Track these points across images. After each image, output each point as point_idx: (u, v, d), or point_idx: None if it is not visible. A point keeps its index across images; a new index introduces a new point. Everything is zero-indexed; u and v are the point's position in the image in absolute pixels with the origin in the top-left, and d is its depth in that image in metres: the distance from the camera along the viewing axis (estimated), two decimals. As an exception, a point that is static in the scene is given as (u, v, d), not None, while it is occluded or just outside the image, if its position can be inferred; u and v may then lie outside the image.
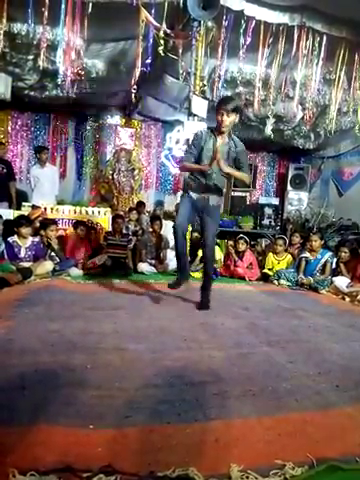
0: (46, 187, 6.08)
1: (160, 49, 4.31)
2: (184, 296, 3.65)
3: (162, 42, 4.30)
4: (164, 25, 4.28)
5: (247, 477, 1.12)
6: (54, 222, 4.94)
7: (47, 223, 4.80)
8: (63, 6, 4.00)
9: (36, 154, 6.45)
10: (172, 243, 5.52)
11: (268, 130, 6.45)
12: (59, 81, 4.92)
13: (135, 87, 4.81)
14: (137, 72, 4.61)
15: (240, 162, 3.16)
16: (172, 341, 2.34)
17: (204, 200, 3.17)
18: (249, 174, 3.33)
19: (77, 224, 5.21)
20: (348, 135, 6.84)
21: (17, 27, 4.58)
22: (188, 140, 3.21)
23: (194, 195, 3.17)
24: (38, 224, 4.86)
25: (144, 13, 4.15)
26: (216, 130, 3.11)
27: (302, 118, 6.28)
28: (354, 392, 1.75)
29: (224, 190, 3.32)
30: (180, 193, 6.96)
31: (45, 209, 5.46)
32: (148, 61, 4.72)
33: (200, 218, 3.26)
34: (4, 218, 4.64)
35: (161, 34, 4.27)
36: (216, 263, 5.43)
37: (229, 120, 3.00)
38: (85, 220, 5.44)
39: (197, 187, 3.16)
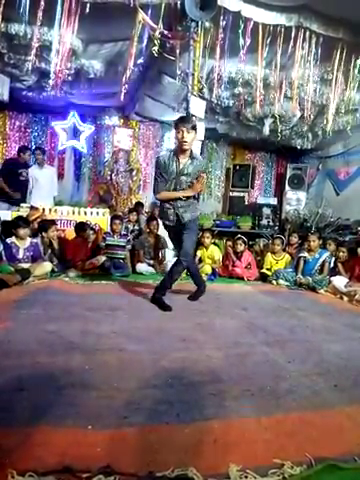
0: (44, 188, 6.07)
1: (154, 49, 4.31)
2: (182, 297, 3.66)
3: (157, 42, 4.30)
4: (161, 26, 4.28)
5: (246, 477, 1.12)
6: (54, 223, 4.94)
7: (47, 224, 4.79)
8: (59, 7, 3.98)
9: (33, 155, 6.45)
10: (170, 244, 5.54)
11: (266, 130, 6.46)
12: (50, 81, 4.90)
13: (126, 87, 4.80)
14: (128, 72, 4.61)
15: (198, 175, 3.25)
16: (171, 341, 2.34)
17: (180, 221, 3.27)
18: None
19: (78, 226, 5.21)
20: (345, 135, 6.86)
21: (15, 28, 4.57)
22: (155, 166, 3.34)
23: (170, 223, 3.31)
24: (36, 225, 4.86)
25: (141, 14, 4.15)
26: (178, 149, 3.16)
27: (300, 118, 6.29)
28: (352, 392, 1.76)
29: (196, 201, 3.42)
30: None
31: (44, 210, 5.45)
32: (140, 61, 4.72)
33: (180, 234, 3.33)
34: (2, 219, 4.64)
35: (157, 35, 4.27)
36: (215, 263, 5.45)
37: (190, 137, 3.07)
38: (85, 221, 5.44)
39: (172, 213, 3.27)
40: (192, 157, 3.20)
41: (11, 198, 5.71)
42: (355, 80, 5.21)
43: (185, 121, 3.12)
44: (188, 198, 3.25)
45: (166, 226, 3.42)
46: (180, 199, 3.22)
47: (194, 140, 3.18)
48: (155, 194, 3.31)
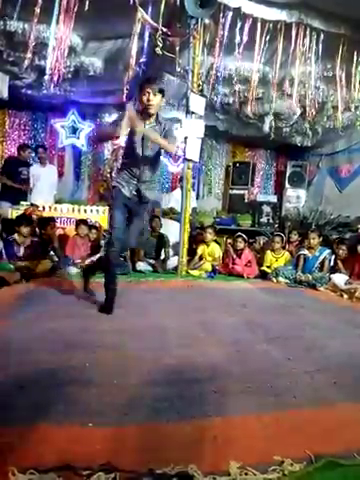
0: (45, 186, 6.06)
1: (157, 49, 4.28)
2: (182, 294, 3.66)
3: (159, 42, 4.27)
4: (161, 24, 4.25)
5: (246, 473, 1.12)
6: (52, 219, 4.93)
7: (46, 221, 4.79)
8: (57, 3, 3.95)
9: (35, 153, 6.44)
10: (172, 241, 5.54)
11: (266, 127, 6.45)
12: (47, 78, 4.88)
13: (128, 87, 4.78)
14: (131, 72, 4.59)
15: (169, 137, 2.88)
16: (171, 339, 2.35)
17: (140, 198, 2.90)
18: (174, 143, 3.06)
19: (78, 223, 5.21)
20: (346, 132, 6.84)
21: (14, 25, 4.56)
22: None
23: (126, 193, 2.88)
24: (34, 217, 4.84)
25: (141, 12, 4.13)
26: (143, 112, 2.80)
27: (300, 115, 6.28)
28: (352, 388, 1.76)
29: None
30: (177, 190, 6.92)
31: (43, 208, 5.45)
32: (142, 60, 4.69)
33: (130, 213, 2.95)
34: (2, 216, 4.64)
35: (158, 34, 4.24)
36: (215, 261, 5.45)
37: (156, 100, 2.74)
38: (86, 218, 5.43)
39: (133, 185, 2.87)
40: (158, 121, 2.87)
41: (15, 196, 5.67)
42: (356, 77, 5.19)
43: (151, 82, 2.78)
44: (151, 170, 2.90)
45: (117, 196, 2.90)
46: (146, 170, 2.87)
47: (160, 105, 2.85)
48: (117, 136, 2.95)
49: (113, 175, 2.97)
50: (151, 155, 2.88)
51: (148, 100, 2.72)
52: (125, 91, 4.87)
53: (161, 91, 2.78)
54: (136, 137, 2.82)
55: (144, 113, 2.81)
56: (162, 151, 3.03)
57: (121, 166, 3.02)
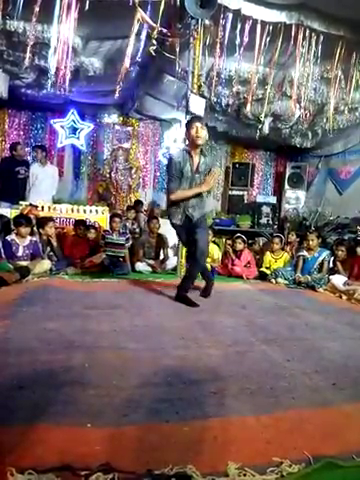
0: (44, 186, 6.05)
1: (151, 49, 4.28)
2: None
3: (154, 41, 4.27)
4: (159, 23, 4.25)
5: (244, 474, 1.12)
6: (51, 219, 4.93)
7: (44, 220, 4.78)
8: (58, 3, 3.95)
9: (34, 153, 6.44)
10: (172, 242, 5.54)
11: (266, 129, 6.45)
12: (49, 79, 4.87)
13: (121, 84, 4.77)
14: (124, 71, 4.58)
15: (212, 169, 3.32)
16: (170, 340, 2.34)
17: (191, 220, 3.30)
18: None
19: (77, 223, 5.20)
20: (345, 134, 6.85)
21: (14, 25, 4.55)
22: (168, 166, 3.35)
23: (179, 222, 3.32)
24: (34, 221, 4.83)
25: (140, 13, 4.13)
26: (191, 147, 3.22)
27: (300, 117, 6.28)
28: (351, 390, 1.76)
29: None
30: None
31: (42, 208, 5.44)
32: (138, 59, 4.68)
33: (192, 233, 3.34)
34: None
35: (154, 34, 4.24)
36: (214, 262, 5.45)
37: (204, 133, 3.15)
38: (84, 219, 5.43)
39: (181, 212, 3.30)
40: (203, 154, 3.28)
41: (14, 196, 5.64)
42: (355, 78, 5.19)
43: (198, 118, 3.32)
44: (199, 195, 3.29)
45: (175, 226, 3.41)
46: (192, 197, 3.25)
47: (206, 137, 3.24)
48: (169, 195, 3.30)
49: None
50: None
51: (197, 132, 3.12)
52: (118, 89, 4.84)
53: (207, 125, 3.30)
54: (187, 182, 3.24)
55: (192, 146, 3.20)
56: None
57: (171, 206, 3.37)
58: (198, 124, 3.13)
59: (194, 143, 3.17)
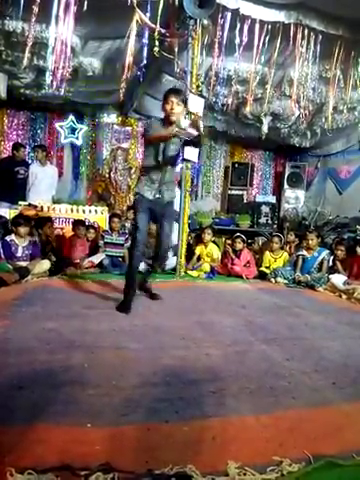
0: (44, 186, 6.03)
1: (155, 50, 4.28)
2: (181, 294, 3.66)
3: (157, 43, 4.26)
4: (159, 24, 4.25)
5: (244, 474, 1.12)
6: (50, 219, 4.92)
7: (43, 220, 4.78)
8: (56, 3, 3.94)
9: (34, 153, 6.44)
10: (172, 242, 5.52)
11: (265, 128, 6.45)
12: (47, 79, 4.87)
13: (123, 85, 4.77)
14: (127, 73, 4.58)
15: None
16: (169, 340, 2.34)
17: (161, 200, 3.10)
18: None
19: (76, 223, 5.20)
20: (344, 133, 6.85)
21: (12, 25, 4.55)
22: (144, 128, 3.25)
23: (149, 197, 3.07)
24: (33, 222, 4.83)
25: (139, 14, 4.12)
26: (166, 122, 3.00)
27: (299, 116, 6.28)
28: (351, 389, 1.76)
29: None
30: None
31: (42, 208, 5.44)
32: (143, 62, 4.68)
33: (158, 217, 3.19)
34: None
35: (156, 35, 4.23)
36: (213, 261, 5.45)
37: (179, 109, 2.96)
38: (84, 219, 5.42)
39: (155, 188, 3.07)
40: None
41: (13, 196, 5.64)
42: (354, 78, 5.20)
43: (176, 92, 3.04)
44: (170, 175, 3.11)
45: (142, 201, 3.10)
46: (165, 173, 3.05)
47: (181, 114, 3.04)
48: (147, 136, 3.10)
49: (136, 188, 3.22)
50: (173, 155, 3.08)
51: (171, 109, 2.94)
52: (121, 91, 4.86)
53: (184, 101, 3.05)
54: (158, 146, 3.02)
55: (166, 121, 3.01)
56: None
57: (141, 175, 3.20)
58: (174, 99, 2.93)
59: (168, 118, 2.98)
